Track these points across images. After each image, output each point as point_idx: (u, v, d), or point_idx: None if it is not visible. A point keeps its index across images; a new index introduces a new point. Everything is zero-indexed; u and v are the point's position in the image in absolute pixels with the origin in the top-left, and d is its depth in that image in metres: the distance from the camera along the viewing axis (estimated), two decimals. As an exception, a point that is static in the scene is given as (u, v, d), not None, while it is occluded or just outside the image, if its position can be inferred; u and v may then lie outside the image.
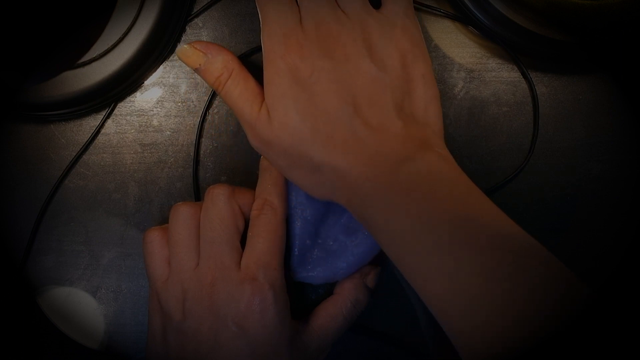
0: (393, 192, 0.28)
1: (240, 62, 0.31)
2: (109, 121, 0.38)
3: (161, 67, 0.38)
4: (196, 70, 0.31)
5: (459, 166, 0.29)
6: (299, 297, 0.36)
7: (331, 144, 0.29)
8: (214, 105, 0.38)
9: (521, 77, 0.38)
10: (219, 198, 0.32)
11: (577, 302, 0.25)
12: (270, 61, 0.30)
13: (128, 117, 0.38)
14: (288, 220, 0.33)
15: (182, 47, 0.31)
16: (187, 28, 0.38)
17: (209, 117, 0.38)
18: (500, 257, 0.25)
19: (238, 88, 0.31)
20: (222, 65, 0.31)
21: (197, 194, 0.37)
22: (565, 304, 0.25)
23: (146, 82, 0.38)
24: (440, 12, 0.38)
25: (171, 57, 0.38)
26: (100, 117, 0.37)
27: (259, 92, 0.31)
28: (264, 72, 0.30)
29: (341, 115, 0.29)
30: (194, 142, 0.37)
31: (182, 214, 0.32)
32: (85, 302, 0.37)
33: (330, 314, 0.33)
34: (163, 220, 0.37)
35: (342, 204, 0.30)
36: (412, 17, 0.32)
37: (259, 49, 0.38)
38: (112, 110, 0.37)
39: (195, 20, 0.38)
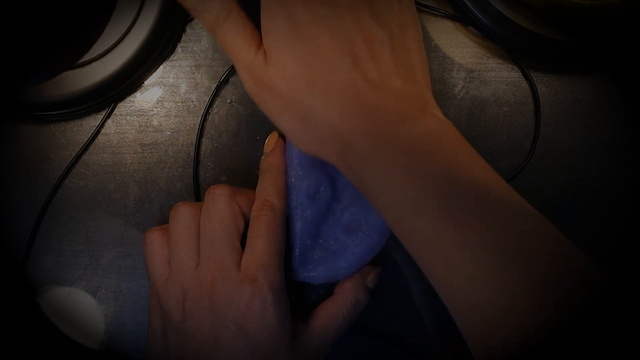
0: (394, 151, 0.27)
1: (238, 3, 0.30)
2: (109, 121, 0.38)
3: (161, 67, 0.38)
4: (192, 9, 0.30)
5: None
6: (299, 297, 0.36)
7: (328, 93, 0.28)
8: (214, 106, 0.38)
9: (521, 77, 0.38)
10: (219, 198, 0.32)
11: (592, 286, 0.25)
12: (269, 7, 0.28)
13: (128, 117, 0.38)
14: (288, 221, 0.33)
15: None
16: (187, 28, 0.38)
17: (209, 117, 0.38)
18: (510, 236, 0.25)
19: (236, 27, 0.29)
20: (221, 4, 0.29)
21: (197, 194, 0.37)
22: (580, 287, 0.25)
23: (146, 82, 0.38)
24: (440, 12, 0.38)
25: (171, 57, 0.38)
26: (100, 117, 0.37)
27: (257, 34, 0.30)
28: (262, 18, 0.29)
29: (340, 65, 0.28)
30: (194, 142, 0.37)
31: (183, 214, 0.32)
32: (85, 302, 0.37)
33: (331, 314, 0.33)
34: (163, 220, 0.37)
35: (331, 162, 0.29)
36: None
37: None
38: (112, 110, 0.37)
39: (196, 20, 0.38)
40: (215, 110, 0.38)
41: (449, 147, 0.27)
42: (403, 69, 0.29)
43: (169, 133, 0.38)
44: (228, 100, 0.38)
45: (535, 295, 0.24)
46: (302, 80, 0.28)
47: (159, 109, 0.38)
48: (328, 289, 0.36)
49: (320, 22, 0.28)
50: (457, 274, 0.25)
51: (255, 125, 0.38)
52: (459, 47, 0.38)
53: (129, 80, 0.36)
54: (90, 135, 0.37)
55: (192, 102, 0.38)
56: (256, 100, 0.30)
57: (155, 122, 0.38)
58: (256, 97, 0.30)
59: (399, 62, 0.29)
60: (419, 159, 0.26)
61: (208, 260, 0.31)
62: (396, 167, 0.27)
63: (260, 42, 0.29)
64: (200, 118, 0.37)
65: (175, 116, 0.38)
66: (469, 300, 0.25)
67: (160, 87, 0.38)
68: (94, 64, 0.35)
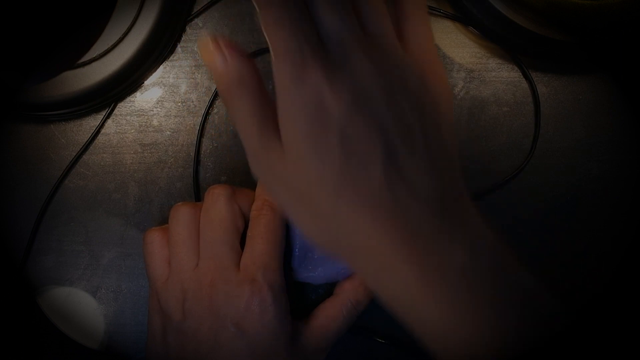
0: (447, 284, 0.23)
1: (260, 74, 0.26)
2: (109, 121, 0.38)
3: (161, 67, 0.38)
4: (211, 69, 0.25)
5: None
6: (299, 297, 0.36)
7: (357, 196, 0.23)
8: (215, 106, 0.38)
9: (521, 77, 0.38)
10: (219, 198, 0.32)
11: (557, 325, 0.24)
12: (284, 87, 0.24)
13: (128, 117, 0.38)
14: (288, 221, 0.33)
15: (204, 39, 0.25)
16: (187, 28, 0.38)
17: (209, 117, 0.38)
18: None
19: (251, 104, 0.25)
20: (239, 73, 0.25)
21: (197, 194, 0.37)
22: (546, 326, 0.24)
23: (146, 82, 0.38)
24: (440, 12, 0.38)
25: (171, 57, 0.38)
26: (100, 117, 0.37)
27: (273, 114, 0.25)
28: (278, 106, 0.25)
29: (372, 161, 0.23)
30: (195, 142, 0.37)
31: (182, 214, 0.32)
32: (85, 302, 0.37)
33: (330, 315, 0.33)
34: (163, 220, 0.37)
35: (345, 259, 0.26)
36: (435, 53, 0.28)
37: (259, 50, 0.38)
38: (112, 110, 0.37)
39: (195, 20, 0.38)
40: (216, 111, 0.38)
41: (502, 274, 0.24)
42: (437, 159, 0.25)
43: (169, 133, 0.38)
44: (228, 100, 0.38)
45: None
46: (326, 180, 0.24)
47: (159, 109, 0.38)
48: (328, 289, 0.36)
49: (349, 108, 0.23)
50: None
51: (255, 125, 0.38)
52: (459, 47, 0.38)
53: (129, 80, 0.36)
54: (90, 135, 0.37)
55: (192, 102, 0.38)
56: (266, 189, 0.26)
57: (155, 122, 0.38)
58: (266, 187, 0.27)
59: (433, 152, 0.25)
60: (476, 294, 0.23)
61: (208, 261, 0.31)
62: (455, 304, 0.23)
63: (276, 125, 0.25)
64: (200, 118, 0.37)
65: (175, 116, 0.38)
66: None
67: (160, 87, 0.38)
68: (94, 64, 0.35)
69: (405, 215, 0.24)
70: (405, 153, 0.24)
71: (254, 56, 0.38)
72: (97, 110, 0.37)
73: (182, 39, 0.38)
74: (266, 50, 0.37)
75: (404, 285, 0.24)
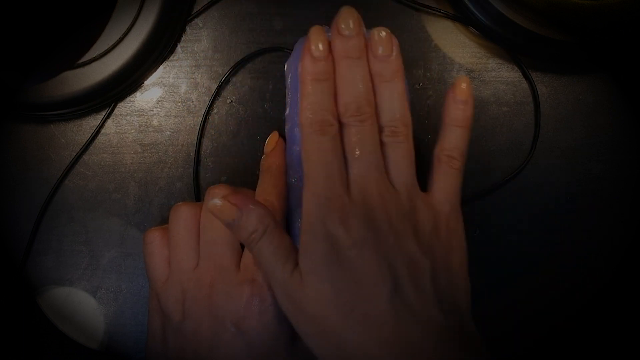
0: None
1: (274, 217, 0.29)
2: (109, 121, 0.38)
3: (161, 67, 0.38)
4: (228, 225, 0.29)
5: None
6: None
7: (366, 324, 0.26)
8: (215, 106, 0.38)
9: (521, 77, 0.38)
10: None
11: None
12: (309, 224, 0.28)
13: (128, 117, 0.38)
14: (288, 221, 0.33)
15: (215, 202, 0.29)
16: (187, 28, 0.38)
17: (209, 117, 0.38)
18: None
19: (272, 245, 0.28)
20: (257, 220, 0.28)
21: (197, 194, 0.37)
22: None
23: (146, 82, 0.38)
24: (440, 12, 0.38)
25: (171, 57, 0.38)
26: (100, 117, 0.37)
27: (293, 249, 0.29)
28: (301, 234, 0.28)
29: (380, 294, 0.27)
30: (195, 142, 0.37)
31: (182, 214, 0.32)
32: (85, 302, 0.37)
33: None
34: (163, 220, 0.37)
35: None
36: (457, 208, 0.31)
37: (259, 50, 0.38)
38: (112, 110, 0.37)
39: (195, 20, 0.38)
40: (215, 110, 0.38)
41: None
42: (446, 299, 0.28)
43: (169, 133, 0.38)
44: (228, 100, 0.38)
45: None
46: (339, 308, 0.27)
47: (159, 109, 0.38)
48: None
49: (362, 246, 0.27)
50: None
51: (255, 125, 0.38)
52: (459, 47, 0.38)
53: (129, 80, 0.36)
54: (90, 135, 0.37)
55: (192, 102, 0.38)
56: (288, 316, 0.29)
57: (155, 122, 0.38)
58: (289, 316, 0.29)
59: (441, 291, 0.28)
60: None
61: (207, 261, 0.31)
62: None
63: (296, 260, 0.28)
64: (200, 118, 0.37)
65: (175, 116, 0.38)
66: None
67: (160, 87, 0.38)
68: (94, 64, 0.35)
69: (406, 341, 0.26)
70: (412, 289, 0.27)
71: (254, 56, 0.38)
72: (97, 110, 0.37)
73: (182, 39, 0.38)
74: (265, 51, 0.38)
75: None
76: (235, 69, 0.37)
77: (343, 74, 0.29)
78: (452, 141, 0.31)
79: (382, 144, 0.29)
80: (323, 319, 0.27)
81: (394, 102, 0.29)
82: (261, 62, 0.38)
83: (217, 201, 0.29)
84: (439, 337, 0.27)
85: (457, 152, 0.31)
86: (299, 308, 0.28)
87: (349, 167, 0.29)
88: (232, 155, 0.38)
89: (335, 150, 0.29)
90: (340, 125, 0.29)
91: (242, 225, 0.29)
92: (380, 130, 0.29)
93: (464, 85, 0.31)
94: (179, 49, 0.38)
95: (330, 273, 0.27)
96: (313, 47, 0.29)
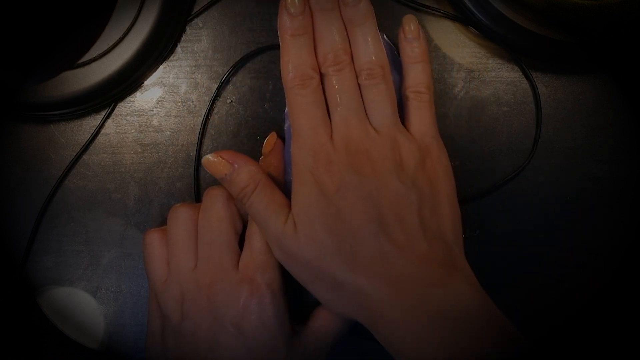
0: (422, 320, 0.27)
1: (265, 173, 0.31)
2: (109, 121, 0.38)
3: (161, 67, 0.38)
4: (221, 179, 0.31)
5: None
6: (300, 297, 0.36)
7: (355, 261, 0.28)
8: (215, 106, 0.38)
9: (521, 77, 0.38)
10: (217, 199, 0.32)
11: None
12: (299, 172, 0.30)
13: (128, 117, 0.38)
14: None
15: (208, 157, 0.31)
16: (187, 28, 0.38)
17: (209, 118, 0.38)
18: None
19: (264, 200, 0.30)
20: (249, 176, 0.30)
21: (197, 194, 0.37)
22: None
23: (146, 82, 0.38)
24: (440, 12, 0.38)
25: (171, 57, 0.38)
26: (100, 117, 0.37)
27: (285, 203, 0.30)
28: (293, 182, 0.30)
29: (366, 231, 0.28)
30: (194, 142, 0.37)
31: (181, 215, 0.32)
32: (85, 302, 0.37)
33: (330, 315, 0.33)
34: (163, 220, 0.37)
35: (365, 325, 0.29)
36: (438, 140, 0.32)
37: (259, 50, 0.38)
38: (112, 110, 0.37)
39: (195, 20, 0.38)
40: (215, 110, 0.38)
41: (475, 312, 0.27)
42: (431, 229, 0.29)
43: (169, 133, 0.38)
44: (228, 100, 0.38)
45: None
46: (330, 248, 0.28)
47: (159, 109, 0.38)
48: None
49: (346, 190, 0.29)
50: None
51: (255, 125, 0.38)
52: (459, 47, 0.38)
53: (129, 80, 0.36)
54: (90, 135, 0.37)
55: (192, 102, 0.38)
56: (287, 269, 0.31)
57: (155, 122, 0.38)
58: (287, 267, 0.31)
59: (427, 222, 0.29)
60: (446, 328, 0.27)
61: (206, 261, 0.31)
62: (426, 338, 0.27)
63: (288, 211, 0.30)
64: (200, 118, 0.37)
65: (176, 116, 0.38)
66: None
67: (160, 87, 0.38)
68: (94, 64, 0.35)
69: (392, 271, 0.28)
70: (397, 224, 0.29)
71: (254, 55, 0.38)
72: (97, 110, 0.37)
73: (182, 39, 0.38)
74: (265, 50, 0.38)
75: (392, 327, 0.28)
76: (236, 68, 0.37)
77: (318, 25, 0.31)
78: (416, 77, 0.32)
79: (360, 87, 0.31)
80: (316, 262, 0.29)
81: (368, 45, 0.31)
82: (261, 61, 0.38)
83: (210, 157, 0.31)
84: (423, 263, 0.28)
85: (422, 86, 0.32)
86: (294, 257, 0.29)
87: (332, 115, 0.31)
88: (232, 155, 0.38)
89: (317, 102, 0.30)
90: (321, 76, 0.31)
91: (234, 180, 0.30)
92: (357, 74, 0.31)
93: (411, 25, 0.32)
94: (179, 49, 0.38)
95: (321, 215, 0.29)
96: (289, 4, 0.30)
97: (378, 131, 0.31)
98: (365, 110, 0.31)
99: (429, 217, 0.29)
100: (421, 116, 0.32)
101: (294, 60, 0.30)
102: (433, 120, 0.32)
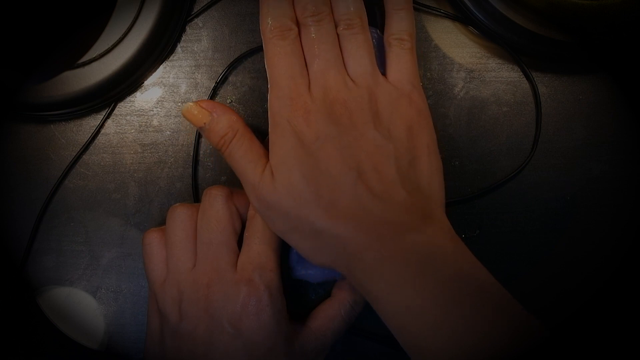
0: (397, 264, 0.27)
1: (244, 123, 0.31)
2: (109, 121, 0.38)
3: (161, 67, 0.38)
4: (200, 128, 0.31)
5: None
6: (299, 297, 0.36)
7: (334, 209, 0.28)
8: (214, 105, 0.38)
9: (521, 77, 0.38)
10: (216, 199, 0.32)
11: (531, 340, 0.25)
12: (276, 123, 0.30)
13: (128, 117, 0.38)
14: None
15: (188, 105, 0.31)
16: (187, 28, 0.38)
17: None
18: (501, 336, 0.25)
19: (242, 148, 0.30)
20: (227, 124, 0.31)
21: (196, 195, 0.37)
22: (519, 341, 0.25)
23: (146, 82, 0.38)
24: (440, 12, 0.38)
25: (171, 57, 0.38)
26: (100, 117, 0.37)
27: (263, 153, 0.31)
28: (270, 134, 0.30)
29: (345, 181, 0.28)
30: (194, 142, 0.37)
31: (179, 215, 0.32)
32: (85, 302, 0.37)
33: (329, 315, 0.33)
34: (163, 220, 0.37)
35: (342, 273, 0.30)
36: (418, 87, 0.32)
37: (258, 49, 0.38)
38: (112, 110, 0.37)
39: (195, 20, 0.38)
40: (215, 110, 0.38)
41: (451, 258, 0.28)
42: (408, 179, 0.29)
43: (169, 133, 0.38)
44: (228, 100, 0.38)
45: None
46: (309, 197, 0.28)
47: (159, 109, 0.38)
48: (328, 289, 0.36)
49: (324, 140, 0.29)
50: None
51: (255, 125, 0.38)
52: (459, 47, 0.38)
53: (129, 80, 0.36)
54: (90, 135, 0.37)
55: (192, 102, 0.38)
56: (264, 219, 0.31)
57: (155, 122, 0.38)
58: (264, 217, 0.31)
59: (404, 173, 0.29)
60: (420, 272, 0.27)
61: (204, 262, 0.31)
62: (398, 280, 0.27)
63: (266, 161, 0.30)
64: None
65: (175, 116, 0.38)
66: None
67: (160, 87, 0.38)
68: (94, 64, 0.35)
69: (371, 219, 0.28)
70: (374, 174, 0.29)
71: (252, 54, 0.38)
72: (97, 110, 0.37)
73: (182, 39, 0.38)
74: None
75: (368, 273, 0.28)
76: (236, 68, 0.37)
77: None
78: (398, 24, 0.32)
79: (339, 37, 0.31)
80: (295, 211, 0.29)
81: None
82: (261, 61, 0.38)
83: (190, 104, 0.31)
84: (400, 211, 0.28)
85: (405, 34, 0.32)
86: (272, 206, 0.29)
87: (309, 66, 0.30)
88: (232, 155, 0.38)
89: (296, 53, 0.30)
90: (299, 28, 0.31)
91: (213, 128, 0.31)
92: (336, 24, 0.31)
93: None
94: (179, 49, 0.38)
95: (299, 164, 0.29)
96: None
97: (356, 82, 0.30)
98: (343, 61, 0.31)
99: (406, 167, 0.30)
100: (402, 64, 0.31)
101: (272, 12, 0.30)
102: (414, 68, 0.32)
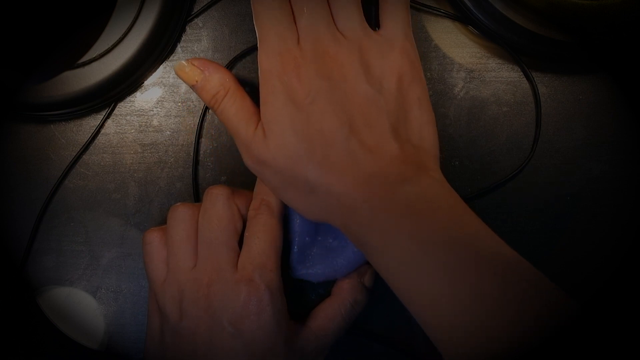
0: (391, 214, 0.27)
1: (237, 81, 0.31)
2: (109, 121, 0.38)
3: (161, 67, 0.38)
4: (192, 87, 0.31)
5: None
6: (299, 296, 0.36)
7: (327, 164, 0.28)
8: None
9: (521, 77, 0.38)
10: (217, 199, 0.32)
11: (562, 316, 0.25)
12: (266, 80, 0.30)
13: (128, 117, 0.38)
14: (288, 218, 0.33)
15: (180, 63, 0.31)
16: (187, 28, 0.38)
17: (208, 117, 0.38)
18: (493, 280, 0.25)
19: (234, 106, 0.30)
20: (219, 83, 0.31)
21: (196, 194, 0.37)
22: (550, 316, 0.25)
23: (146, 82, 0.38)
24: (440, 12, 0.38)
25: (171, 57, 0.38)
26: (100, 117, 0.37)
27: (255, 111, 0.31)
28: (260, 91, 0.30)
29: (337, 135, 0.28)
30: (194, 142, 0.37)
31: (180, 214, 0.32)
32: (85, 302, 0.37)
33: (329, 315, 0.33)
34: (163, 220, 0.37)
35: (337, 227, 0.30)
36: (410, 39, 0.31)
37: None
38: (112, 110, 0.37)
39: (195, 20, 0.38)
40: (215, 110, 0.38)
41: (445, 208, 0.28)
42: (400, 132, 0.29)
43: (169, 133, 0.38)
44: (228, 100, 0.38)
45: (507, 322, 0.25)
46: (301, 153, 0.28)
47: (159, 109, 0.38)
48: (328, 289, 0.36)
49: (316, 95, 0.29)
50: (452, 327, 0.26)
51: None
52: (459, 47, 0.38)
53: (129, 80, 0.36)
54: (90, 135, 0.37)
55: (192, 102, 0.38)
56: (258, 176, 0.31)
57: (155, 122, 0.38)
58: (257, 174, 0.31)
59: (396, 126, 0.29)
60: (415, 222, 0.27)
61: (205, 261, 0.31)
62: (394, 231, 0.27)
63: (258, 119, 0.30)
64: (199, 118, 0.37)
65: (175, 116, 0.38)
66: (455, 345, 0.26)
67: (160, 87, 0.38)
68: (94, 64, 0.35)
69: (363, 171, 0.28)
70: (366, 128, 0.29)
71: (250, 52, 0.38)
72: (97, 110, 0.37)
73: (182, 39, 0.38)
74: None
75: (362, 225, 0.28)
76: (234, 68, 0.37)
77: None
78: None
79: None
80: (288, 167, 0.29)
81: None
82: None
83: (183, 62, 0.31)
84: (393, 163, 0.28)
85: None
86: (265, 164, 0.29)
87: (298, 22, 0.30)
88: (232, 156, 0.38)
89: (283, 8, 0.30)
90: None
91: (204, 86, 0.31)
92: None
93: None
94: (179, 49, 0.38)
95: (291, 120, 0.29)
96: None
97: (345, 35, 0.30)
98: (332, 16, 0.31)
99: (398, 120, 0.30)
100: (394, 14, 0.31)
101: None
102: (407, 20, 0.31)
